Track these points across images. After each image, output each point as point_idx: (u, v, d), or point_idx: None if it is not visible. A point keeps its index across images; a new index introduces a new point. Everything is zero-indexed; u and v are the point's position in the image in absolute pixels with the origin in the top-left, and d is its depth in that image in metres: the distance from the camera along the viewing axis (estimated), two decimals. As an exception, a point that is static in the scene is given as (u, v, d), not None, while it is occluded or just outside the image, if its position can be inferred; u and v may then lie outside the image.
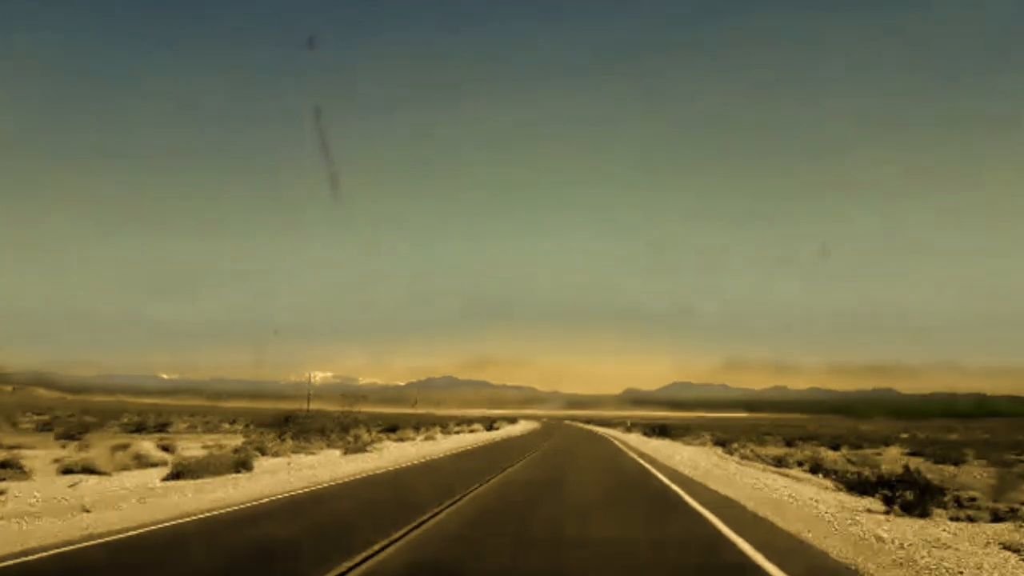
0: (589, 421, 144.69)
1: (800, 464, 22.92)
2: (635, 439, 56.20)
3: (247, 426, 45.92)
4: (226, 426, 59.58)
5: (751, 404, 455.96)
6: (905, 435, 79.95)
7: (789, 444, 50.88)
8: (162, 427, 44.09)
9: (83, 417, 68.74)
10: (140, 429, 41.51)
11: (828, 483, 17.02)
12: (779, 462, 24.22)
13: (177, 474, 17.94)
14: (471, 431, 69.29)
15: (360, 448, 29.10)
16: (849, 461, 27.76)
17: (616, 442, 48.93)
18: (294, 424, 36.09)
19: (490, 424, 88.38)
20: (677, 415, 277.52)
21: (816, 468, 21.18)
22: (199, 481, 17.07)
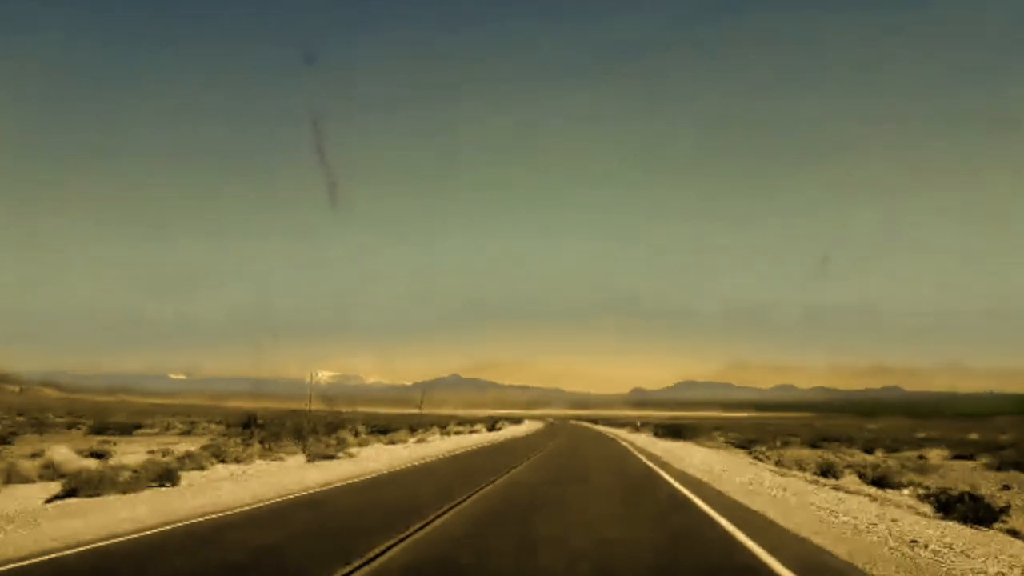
0: (596, 421, 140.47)
1: (860, 475, 18.79)
2: (646, 441, 52.14)
3: (228, 427, 42.15)
4: (212, 427, 55.75)
5: (757, 404, 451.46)
6: (922, 434, 75.78)
7: (814, 446, 46.83)
8: (128, 429, 40.28)
9: (66, 418, 65.17)
10: (101, 431, 37.73)
11: (916, 504, 13.04)
12: (826, 471, 20.12)
13: (72, 491, 14.06)
14: (472, 432, 65.38)
15: (330, 454, 25.14)
16: (904, 467, 23.71)
17: (624, 443, 44.89)
18: (268, 426, 32.13)
19: (492, 424, 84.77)
20: (684, 415, 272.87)
21: (882, 480, 17.05)
22: (94, 500, 13.18)
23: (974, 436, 74.18)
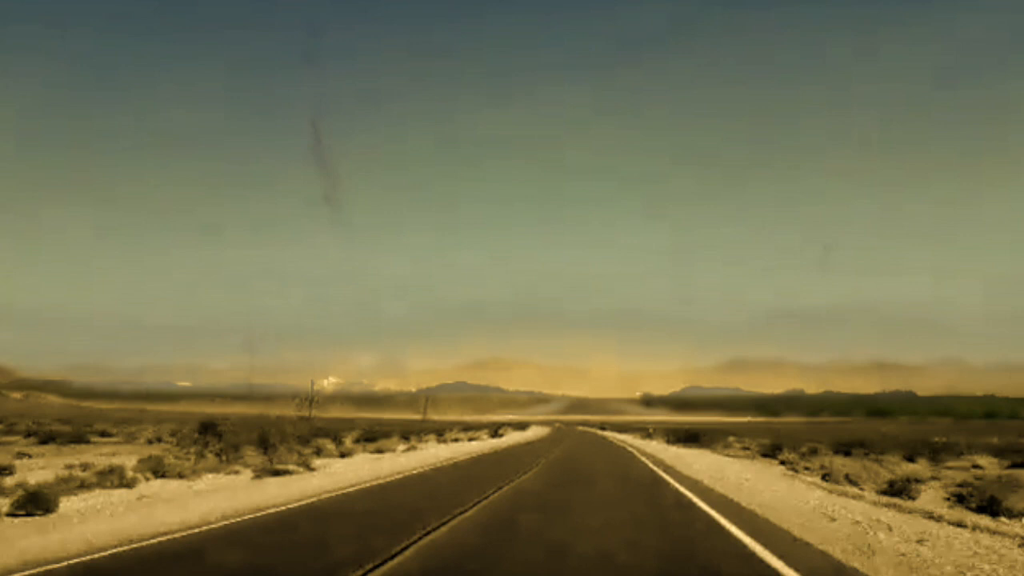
0: (604, 426, 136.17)
1: (959, 499, 14.56)
2: (659, 449, 47.98)
3: (185, 436, 38.35)
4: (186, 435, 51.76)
5: (766, 406, 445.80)
6: (940, 439, 71.47)
7: (845, 453, 42.53)
8: (83, 437, 36.38)
9: (46, 425, 61.52)
10: (48, 440, 33.87)
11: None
12: (899, 490, 15.88)
13: None
14: (471, 438, 61.34)
15: (285, 469, 21.11)
16: (978, 479, 19.50)
17: (643, 457, 40.72)
18: (227, 434, 28.13)
19: (495, 431, 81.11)
20: (692, 419, 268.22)
21: (991, 505, 12.83)
22: None
23: (995, 440, 69.99)
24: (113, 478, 19.08)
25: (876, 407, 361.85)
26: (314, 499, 14.49)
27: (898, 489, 15.76)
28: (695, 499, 14.66)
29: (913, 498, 15.23)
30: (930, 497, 15.44)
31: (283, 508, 13.07)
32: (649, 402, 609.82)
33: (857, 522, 11.16)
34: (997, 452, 43.66)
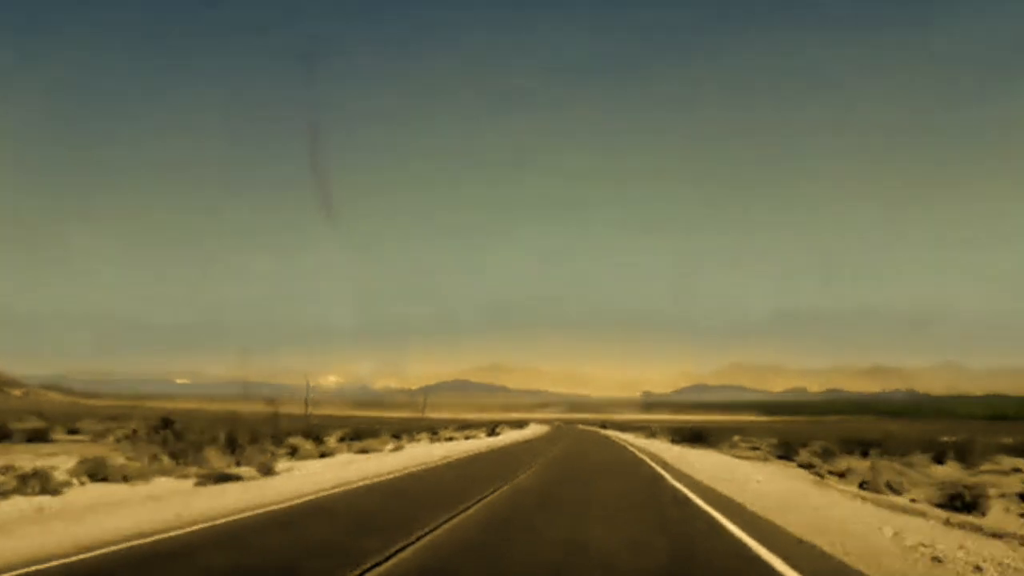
0: (604, 425, 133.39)
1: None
2: (663, 448, 45.30)
3: (146, 434, 35.86)
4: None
5: (768, 408, 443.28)
6: (950, 438, 69.03)
7: (863, 454, 39.84)
8: (39, 435, 33.84)
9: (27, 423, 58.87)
10: (3, 438, 31.34)
11: None
12: (968, 504, 13.12)
13: None
14: (467, 437, 58.76)
15: (232, 473, 18.44)
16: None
17: (648, 458, 38.04)
18: (187, 433, 25.55)
19: (492, 429, 78.57)
20: (694, 419, 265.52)
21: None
22: None
23: (1009, 440, 67.56)
24: (36, 483, 16.49)
25: (877, 408, 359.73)
26: (233, 517, 11.40)
27: (964, 503, 12.98)
28: (724, 521, 11.99)
29: (984, 513, 12.52)
30: (999, 511, 12.74)
31: (195, 528, 10.27)
32: (650, 403, 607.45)
33: (978, 567, 7.57)
34: (1013, 451, 41.08)
